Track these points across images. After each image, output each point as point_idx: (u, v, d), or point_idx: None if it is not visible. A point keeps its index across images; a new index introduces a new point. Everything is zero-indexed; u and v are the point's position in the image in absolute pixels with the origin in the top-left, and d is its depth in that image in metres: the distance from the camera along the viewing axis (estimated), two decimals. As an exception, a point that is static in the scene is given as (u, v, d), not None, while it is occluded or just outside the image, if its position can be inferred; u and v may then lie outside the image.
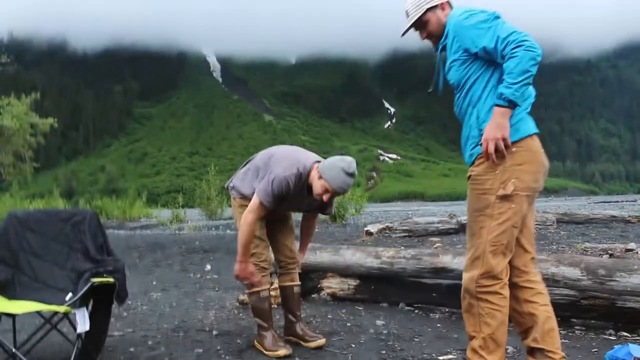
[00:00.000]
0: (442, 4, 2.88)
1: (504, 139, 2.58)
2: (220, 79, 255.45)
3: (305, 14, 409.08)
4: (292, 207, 3.74)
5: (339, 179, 3.28)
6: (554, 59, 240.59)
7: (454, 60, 2.83)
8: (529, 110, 2.81)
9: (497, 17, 2.67)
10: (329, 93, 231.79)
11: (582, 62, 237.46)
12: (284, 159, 3.50)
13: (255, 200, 3.44)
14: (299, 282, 3.92)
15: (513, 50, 2.53)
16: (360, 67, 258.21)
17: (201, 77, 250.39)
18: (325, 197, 3.36)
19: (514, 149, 2.65)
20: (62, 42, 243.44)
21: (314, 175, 3.44)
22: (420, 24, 2.90)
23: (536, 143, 2.76)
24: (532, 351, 2.81)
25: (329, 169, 3.32)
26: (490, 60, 2.71)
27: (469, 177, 2.82)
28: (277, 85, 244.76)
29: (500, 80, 2.65)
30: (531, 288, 2.85)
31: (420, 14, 2.86)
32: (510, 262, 2.82)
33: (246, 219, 3.42)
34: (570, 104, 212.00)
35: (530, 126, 2.75)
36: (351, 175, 3.31)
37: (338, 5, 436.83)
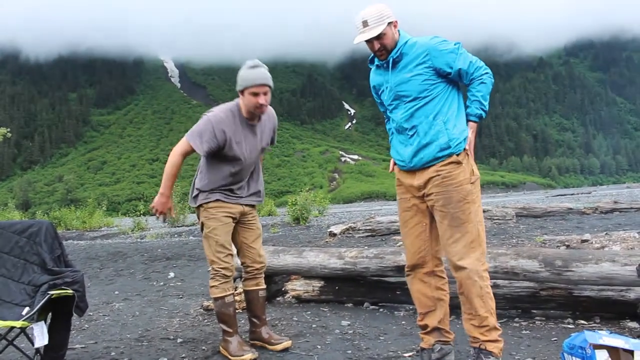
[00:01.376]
0: (395, 21, 3.13)
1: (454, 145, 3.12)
2: (178, 85, 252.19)
3: (263, 18, 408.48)
4: (253, 145, 3.65)
5: (249, 74, 3.44)
6: (508, 57, 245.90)
7: (416, 75, 3.10)
8: None
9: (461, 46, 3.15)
10: (288, 96, 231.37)
11: (534, 59, 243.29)
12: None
13: (182, 140, 3.53)
14: (264, 286, 3.87)
15: (482, 76, 3.09)
16: (319, 69, 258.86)
17: (159, 83, 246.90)
18: (260, 100, 3.45)
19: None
20: (13, 50, 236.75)
21: (240, 101, 3.59)
22: (377, 36, 3.07)
23: None
24: (432, 330, 3.23)
25: (239, 80, 3.48)
26: (451, 80, 3.14)
27: (435, 177, 3.08)
28: (236, 89, 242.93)
29: (458, 95, 3.18)
30: (442, 277, 3.28)
31: (384, 27, 3.05)
32: (434, 253, 3.23)
33: (172, 153, 3.53)
34: (526, 101, 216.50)
35: None
36: (256, 66, 3.45)
37: (295, 7, 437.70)
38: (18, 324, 2.93)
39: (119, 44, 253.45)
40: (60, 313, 3.28)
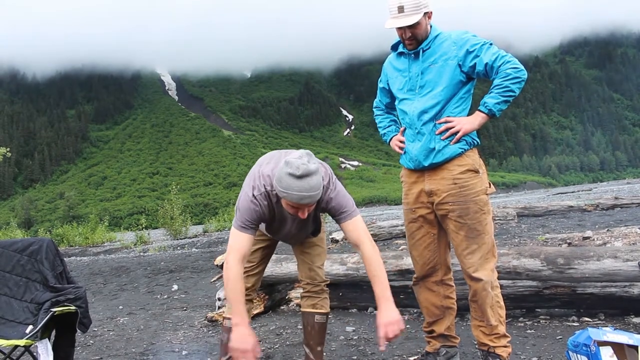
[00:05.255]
0: (430, 12, 2.99)
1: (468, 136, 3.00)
2: (176, 97, 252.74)
3: (258, 28, 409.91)
4: (293, 232, 3.01)
5: (292, 189, 2.55)
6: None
7: (441, 67, 2.98)
8: None
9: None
10: (286, 104, 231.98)
11: (530, 59, 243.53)
12: (251, 173, 2.89)
13: (232, 231, 2.81)
14: (323, 310, 3.18)
15: (508, 70, 2.88)
16: (316, 77, 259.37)
17: (157, 97, 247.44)
18: (301, 215, 2.67)
19: (475, 154, 3.06)
20: (11, 69, 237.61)
21: None
22: (411, 25, 2.94)
23: None
24: (439, 335, 3.22)
25: (278, 182, 2.60)
26: (472, 85, 3.07)
27: (452, 185, 2.98)
28: (234, 99, 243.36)
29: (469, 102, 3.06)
30: (451, 286, 3.24)
31: (420, 16, 2.91)
32: (443, 262, 3.18)
33: (226, 262, 2.73)
34: (523, 100, 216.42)
35: None
36: (303, 176, 2.54)
37: (290, 16, 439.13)
38: (22, 342, 2.93)
39: (115, 60, 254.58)
40: (64, 330, 3.28)
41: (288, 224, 2.91)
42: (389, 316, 2.65)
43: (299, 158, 2.58)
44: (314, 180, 2.56)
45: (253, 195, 2.75)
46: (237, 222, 2.76)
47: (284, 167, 2.58)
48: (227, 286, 2.69)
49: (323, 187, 2.69)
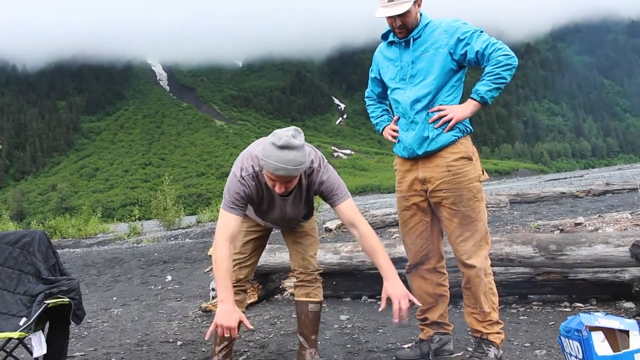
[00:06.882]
0: (420, 0, 2.99)
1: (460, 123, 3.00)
2: (167, 88, 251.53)
3: (250, 17, 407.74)
4: (281, 215, 2.99)
5: (271, 159, 2.55)
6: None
7: (432, 56, 2.97)
8: None
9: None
10: (278, 94, 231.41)
11: (522, 45, 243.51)
12: (241, 155, 2.90)
13: (220, 212, 2.85)
14: (317, 299, 3.19)
15: (499, 57, 2.88)
16: (307, 66, 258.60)
17: (148, 87, 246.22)
18: (277, 189, 2.67)
19: (469, 142, 3.06)
20: (0, 61, 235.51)
21: None
22: (402, 13, 2.92)
23: None
24: (432, 323, 3.24)
25: (262, 150, 2.62)
26: (463, 73, 3.07)
27: (446, 173, 2.98)
28: (225, 89, 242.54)
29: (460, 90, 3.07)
30: (443, 273, 3.25)
31: (410, 4, 2.90)
32: (436, 250, 3.19)
33: (214, 242, 2.78)
34: (515, 87, 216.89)
35: None
36: (285, 147, 2.53)
37: (282, 5, 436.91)
38: (16, 334, 2.92)
39: (106, 51, 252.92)
40: (58, 322, 3.28)
41: (277, 206, 2.92)
42: (399, 290, 2.69)
43: (286, 131, 2.61)
44: (293, 155, 2.55)
45: (241, 175, 2.78)
46: (225, 202, 2.80)
47: (270, 136, 2.63)
48: (214, 265, 2.73)
49: (313, 170, 2.79)
